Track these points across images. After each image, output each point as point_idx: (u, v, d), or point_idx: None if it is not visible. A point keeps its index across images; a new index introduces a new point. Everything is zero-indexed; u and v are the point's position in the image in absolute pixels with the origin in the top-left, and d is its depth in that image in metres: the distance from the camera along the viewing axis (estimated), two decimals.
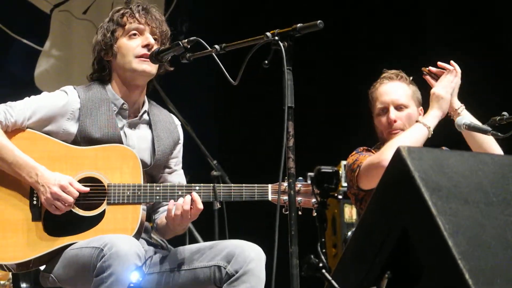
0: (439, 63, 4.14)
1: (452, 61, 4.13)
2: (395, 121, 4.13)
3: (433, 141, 4.05)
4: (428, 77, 4.17)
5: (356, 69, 7.36)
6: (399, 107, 4.18)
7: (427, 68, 4.16)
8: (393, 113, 4.16)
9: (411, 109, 4.22)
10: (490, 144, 4.11)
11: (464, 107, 4.13)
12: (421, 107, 4.27)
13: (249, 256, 3.60)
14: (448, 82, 4.08)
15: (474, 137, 4.11)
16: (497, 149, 4.13)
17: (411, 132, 4.01)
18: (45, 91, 3.86)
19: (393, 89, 4.22)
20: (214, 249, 3.70)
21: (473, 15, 7.00)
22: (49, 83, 6.64)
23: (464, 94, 4.17)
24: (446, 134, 4.10)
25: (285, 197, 3.34)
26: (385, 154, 3.88)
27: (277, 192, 3.52)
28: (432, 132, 4.00)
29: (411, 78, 4.29)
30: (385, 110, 4.20)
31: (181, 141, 4.03)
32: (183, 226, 3.77)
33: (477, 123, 4.04)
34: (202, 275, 3.68)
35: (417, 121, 4.04)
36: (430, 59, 4.22)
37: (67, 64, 6.98)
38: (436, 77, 4.14)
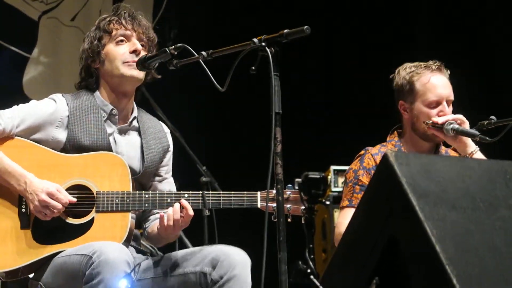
0: None
1: None
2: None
3: None
4: None
5: (344, 72, 7.37)
6: (448, 104, 4.14)
7: None
8: (447, 109, 4.11)
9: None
10: None
11: (478, 149, 4.07)
12: None
13: (234, 262, 3.61)
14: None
15: None
16: None
17: None
18: (34, 98, 3.85)
19: (447, 84, 4.16)
20: (200, 254, 3.69)
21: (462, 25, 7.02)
22: (37, 90, 6.61)
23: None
24: None
25: (274, 204, 3.32)
26: None
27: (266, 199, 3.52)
28: None
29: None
30: (437, 104, 4.11)
31: (171, 149, 4.03)
32: (176, 233, 3.77)
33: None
34: (190, 280, 3.67)
35: None
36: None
37: (56, 71, 6.95)
38: None
